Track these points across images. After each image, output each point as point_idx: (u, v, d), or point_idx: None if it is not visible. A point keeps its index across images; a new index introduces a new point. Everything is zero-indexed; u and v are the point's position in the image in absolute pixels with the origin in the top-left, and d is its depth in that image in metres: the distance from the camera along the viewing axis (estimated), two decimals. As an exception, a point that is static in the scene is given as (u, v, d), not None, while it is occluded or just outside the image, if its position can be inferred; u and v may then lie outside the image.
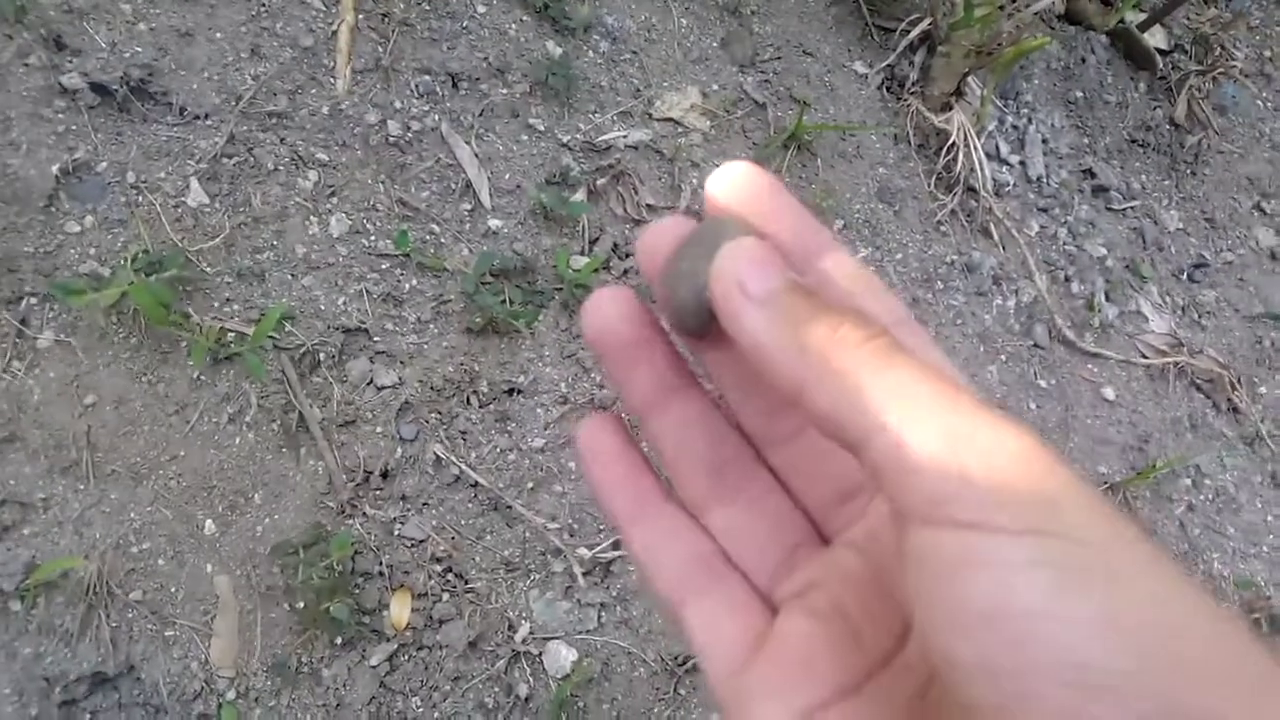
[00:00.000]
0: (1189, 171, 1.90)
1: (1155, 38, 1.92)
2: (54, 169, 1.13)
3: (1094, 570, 0.18)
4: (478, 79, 1.37)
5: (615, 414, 0.29)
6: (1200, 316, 1.78)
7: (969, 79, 1.63)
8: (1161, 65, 1.90)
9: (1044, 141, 1.76)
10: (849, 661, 0.25)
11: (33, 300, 1.09)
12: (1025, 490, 0.19)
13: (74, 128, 1.15)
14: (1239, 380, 1.72)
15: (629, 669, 1.17)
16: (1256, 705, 0.18)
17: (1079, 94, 1.83)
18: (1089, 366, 1.62)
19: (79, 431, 1.07)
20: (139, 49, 1.20)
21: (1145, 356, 1.67)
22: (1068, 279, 1.68)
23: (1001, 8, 1.57)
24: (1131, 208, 1.81)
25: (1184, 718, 0.17)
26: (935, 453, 0.20)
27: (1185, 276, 1.81)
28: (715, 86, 1.52)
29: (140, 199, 1.16)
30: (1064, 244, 1.71)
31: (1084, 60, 1.85)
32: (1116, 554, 0.19)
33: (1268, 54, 2.09)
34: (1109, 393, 1.61)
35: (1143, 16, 1.88)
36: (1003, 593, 0.18)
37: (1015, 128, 1.75)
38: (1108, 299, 1.70)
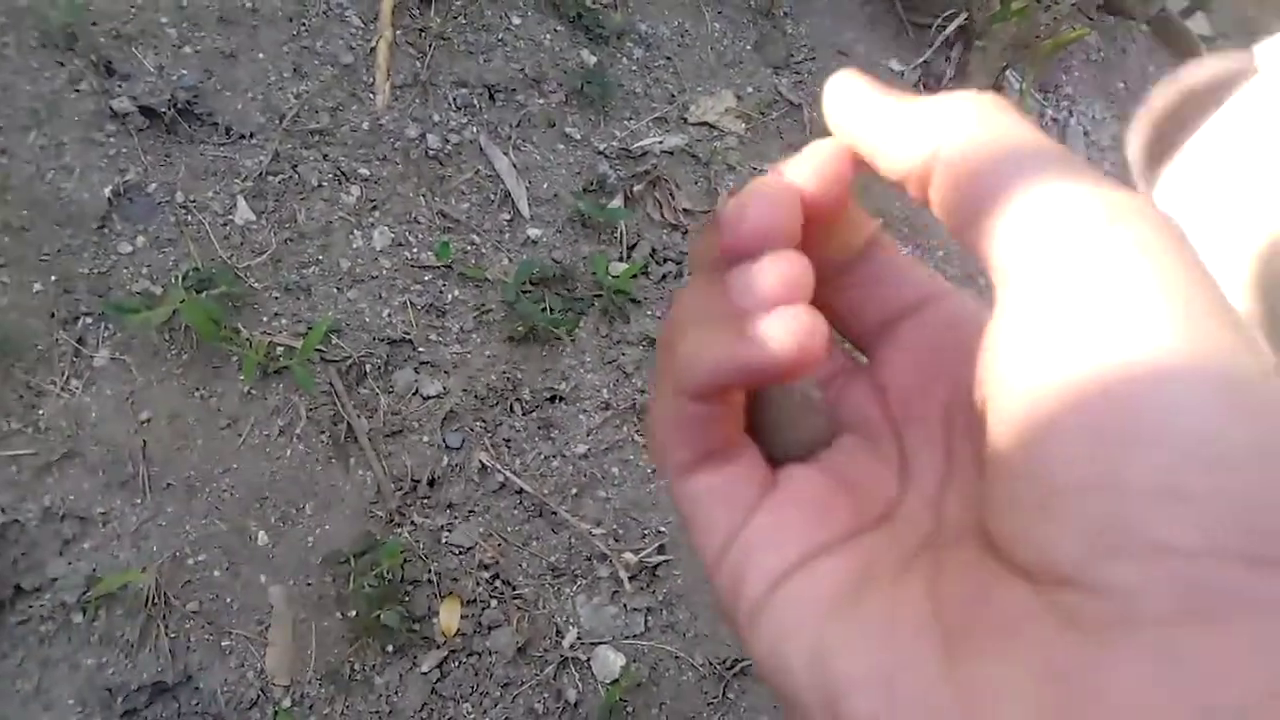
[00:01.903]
0: (1237, 159, 1.86)
1: (1198, 24, 1.89)
2: (106, 191, 1.16)
3: (1203, 330, 0.17)
4: (514, 90, 1.38)
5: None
6: (1253, 307, 1.74)
7: (1007, 73, 1.61)
8: (1204, 52, 1.87)
9: (1085, 134, 1.74)
10: (847, 509, 0.24)
11: (88, 320, 1.12)
12: (1128, 231, 0.18)
13: (124, 150, 1.19)
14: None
15: (677, 673, 1.17)
16: None
17: (1120, 84, 1.80)
18: (1138, 361, 1.60)
19: (135, 446, 1.10)
20: (185, 71, 1.23)
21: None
22: (1114, 272, 1.66)
23: (1039, 0, 1.55)
24: (1178, 198, 1.78)
25: None
26: (1043, 206, 0.19)
27: (1236, 267, 1.77)
28: (750, 89, 1.52)
29: (189, 218, 1.18)
30: (1109, 237, 1.68)
31: (1125, 50, 1.82)
32: (1218, 312, 0.18)
33: (1316, 37, 2.04)
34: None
35: (1184, 3, 1.85)
36: (1117, 346, 0.17)
37: (1056, 120, 1.73)
38: (1156, 292, 1.67)
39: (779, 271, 0.22)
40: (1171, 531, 0.16)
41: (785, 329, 0.22)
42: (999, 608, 0.18)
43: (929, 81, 1.65)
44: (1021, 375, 0.19)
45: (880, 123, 0.22)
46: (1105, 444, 0.17)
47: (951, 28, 1.62)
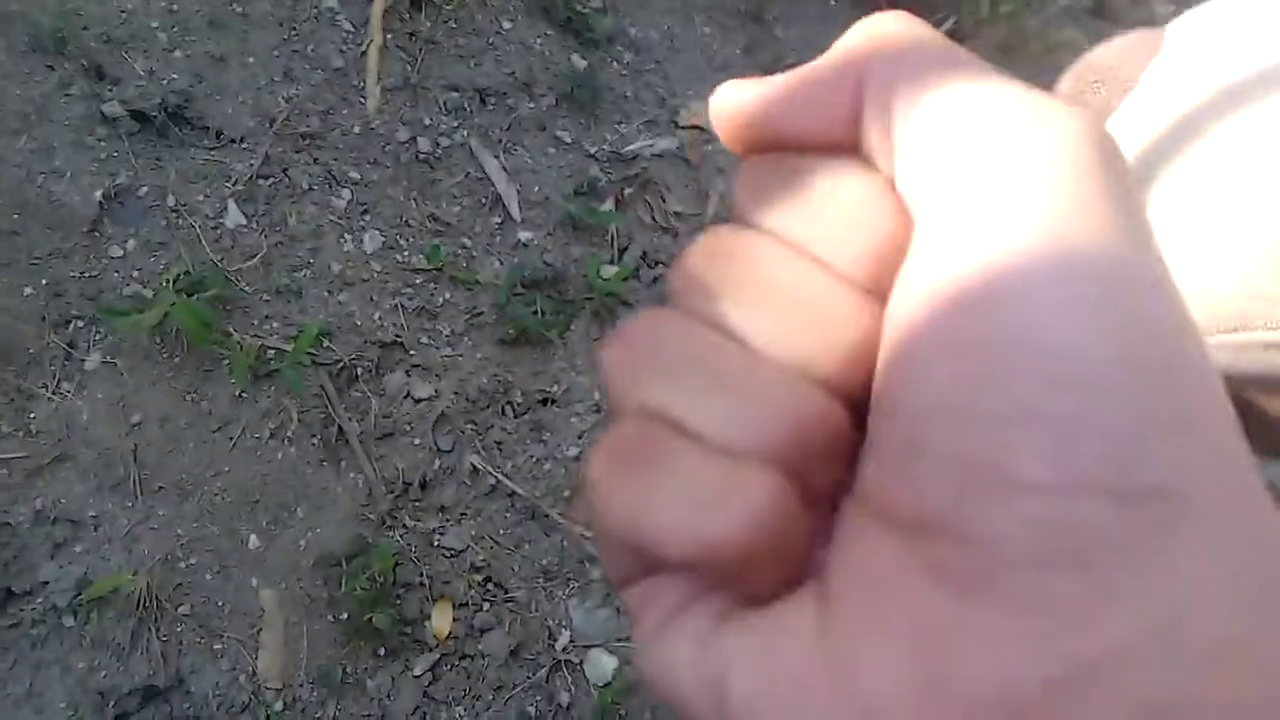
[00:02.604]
0: (1224, 162, 1.87)
1: (1185, 28, 1.90)
2: (97, 195, 1.16)
3: (1091, 249, 0.16)
4: (505, 94, 1.39)
5: None
6: (1241, 308, 1.76)
7: (996, 76, 1.62)
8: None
9: (1074, 136, 1.75)
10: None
11: (79, 323, 1.12)
12: (1054, 150, 0.16)
13: (115, 154, 1.19)
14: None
15: (669, 675, 1.17)
16: (1227, 425, 0.16)
17: (1109, 87, 1.81)
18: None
19: (126, 450, 1.10)
20: (175, 76, 1.24)
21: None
22: (1103, 274, 1.67)
23: (1028, 4, 1.57)
24: (1166, 200, 1.79)
25: (1155, 422, 0.15)
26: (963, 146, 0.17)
27: (1224, 268, 1.79)
28: (740, 93, 1.53)
29: (180, 221, 1.18)
30: (1098, 239, 1.70)
31: (1113, 53, 1.83)
32: (1121, 237, 0.16)
33: (1302, 40, 2.06)
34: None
35: (1171, 8, 1.86)
36: (994, 268, 0.16)
37: (1044, 123, 1.74)
38: (1144, 293, 1.68)
39: None
40: (1026, 464, 0.14)
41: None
42: (872, 566, 0.17)
43: (918, 85, 1.66)
44: (901, 296, 0.17)
45: (793, 88, 0.20)
46: (964, 365, 0.15)
47: (941, 31, 1.63)
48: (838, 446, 0.19)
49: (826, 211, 0.19)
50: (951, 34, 1.63)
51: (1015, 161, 0.16)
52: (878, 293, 0.19)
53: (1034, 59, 1.60)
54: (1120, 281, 0.15)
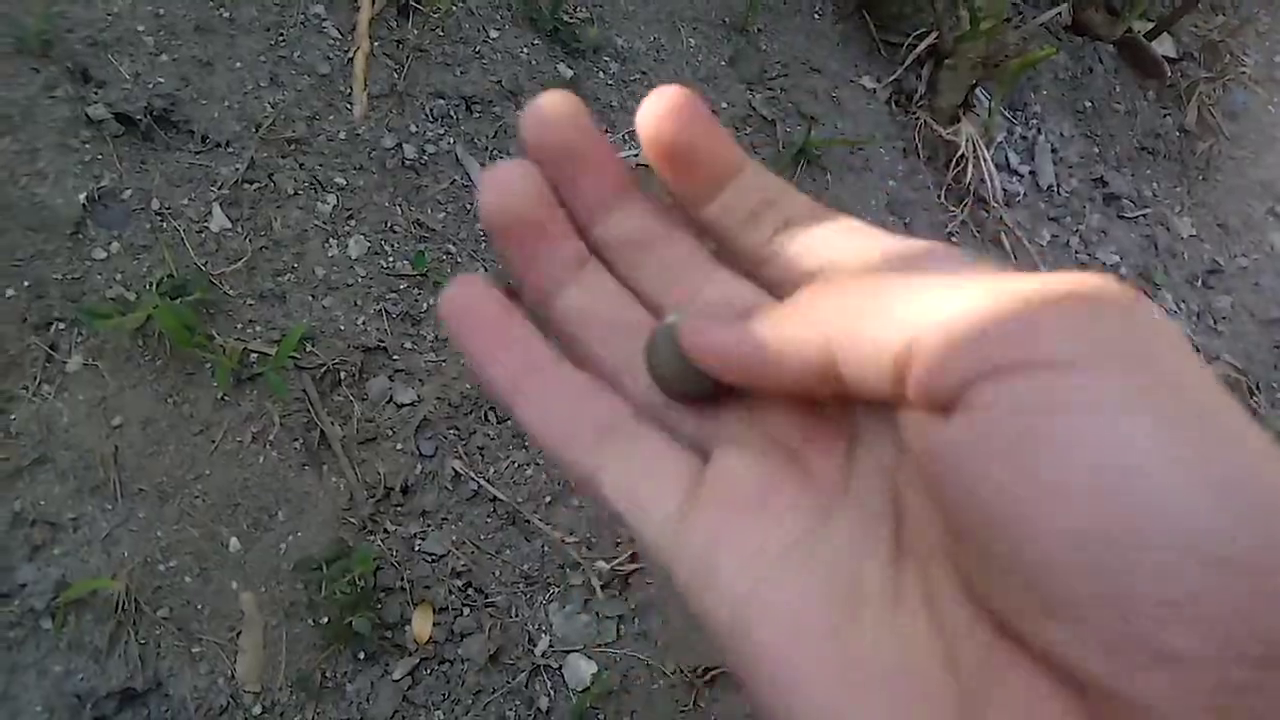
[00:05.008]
0: (1200, 178, 1.90)
1: (1163, 46, 1.93)
2: (81, 197, 1.16)
3: (1196, 418, 0.16)
4: (491, 102, 1.39)
5: (484, 278, 0.27)
6: (1216, 322, 1.78)
7: (976, 91, 1.64)
8: (1170, 73, 1.91)
9: (1053, 151, 1.77)
10: (801, 491, 0.22)
11: (61, 325, 1.12)
12: (1110, 319, 0.17)
13: (100, 157, 1.19)
14: (1257, 386, 1.71)
15: (648, 681, 1.17)
16: None
17: (1088, 103, 1.84)
18: (1104, 374, 1.62)
19: (107, 452, 1.09)
20: (161, 79, 1.24)
21: (1161, 363, 1.67)
22: (1080, 287, 1.68)
23: (1008, 20, 1.59)
24: (1143, 215, 1.81)
25: None
26: (988, 304, 0.18)
27: (1199, 283, 1.81)
28: (724, 104, 1.54)
29: (164, 225, 1.19)
30: (1076, 252, 1.71)
31: (1092, 70, 1.86)
32: (1211, 399, 0.17)
33: (1278, 59, 2.10)
34: (1125, 400, 1.60)
35: (1150, 25, 1.89)
36: (1106, 442, 0.16)
37: (1024, 138, 1.76)
38: (1121, 306, 1.70)
39: None
40: (1184, 641, 0.15)
41: None
42: (1021, 697, 0.17)
43: (900, 99, 1.68)
44: (993, 472, 0.18)
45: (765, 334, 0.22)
46: (1107, 553, 0.16)
47: (922, 46, 1.65)
48: None
49: None
50: (933, 48, 1.66)
51: (1108, 355, 0.17)
52: None
53: (1014, 73, 1.62)
54: (1236, 468, 0.16)
